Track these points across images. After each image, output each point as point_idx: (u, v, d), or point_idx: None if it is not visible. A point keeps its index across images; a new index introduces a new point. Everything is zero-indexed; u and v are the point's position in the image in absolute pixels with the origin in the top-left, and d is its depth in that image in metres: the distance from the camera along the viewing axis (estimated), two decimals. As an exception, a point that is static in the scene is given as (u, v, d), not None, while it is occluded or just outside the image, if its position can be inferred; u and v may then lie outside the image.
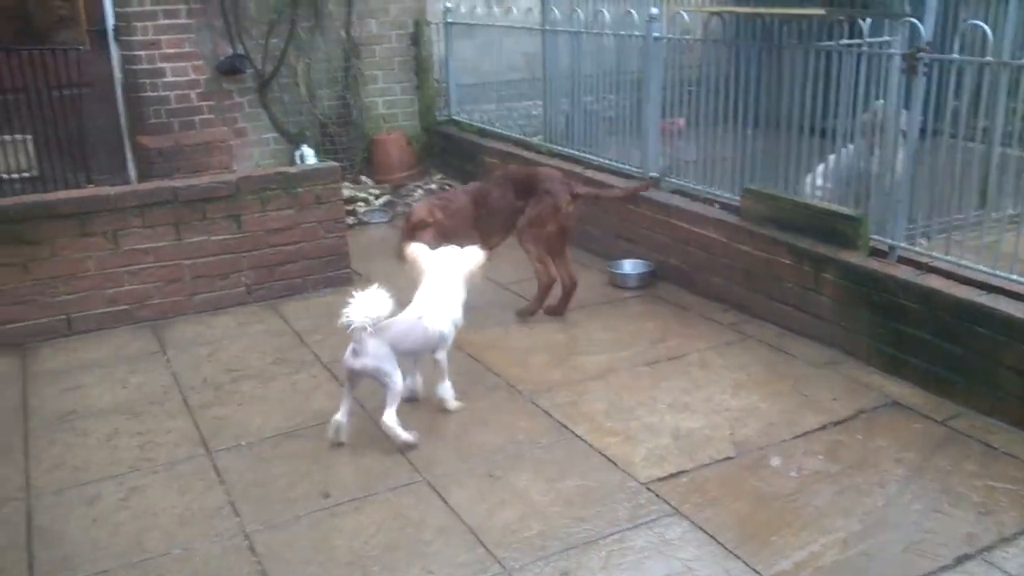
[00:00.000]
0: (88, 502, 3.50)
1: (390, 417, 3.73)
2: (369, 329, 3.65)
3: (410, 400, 4.10)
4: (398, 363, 3.80)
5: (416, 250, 4.19)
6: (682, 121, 5.81)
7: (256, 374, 4.52)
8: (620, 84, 6.22)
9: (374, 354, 3.72)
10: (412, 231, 4.90)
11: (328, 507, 3.40)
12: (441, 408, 4.09)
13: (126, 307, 5.18)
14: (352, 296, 3.66)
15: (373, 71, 8.16)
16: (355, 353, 3.72)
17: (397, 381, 3.76)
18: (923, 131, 4.43)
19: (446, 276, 4.07)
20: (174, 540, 3.25)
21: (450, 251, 4.17)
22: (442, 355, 4.05)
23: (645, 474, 3.55)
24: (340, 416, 3.81)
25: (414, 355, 4.09)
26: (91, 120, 7.03)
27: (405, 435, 3.76)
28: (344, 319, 3.62)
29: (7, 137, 6.63)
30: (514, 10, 7.57)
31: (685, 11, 5.69)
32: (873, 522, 3.22)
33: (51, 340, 5.01)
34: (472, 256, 4.16)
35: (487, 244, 4.82)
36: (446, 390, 4.10)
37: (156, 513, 3.42)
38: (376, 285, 3.69)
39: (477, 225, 5.04)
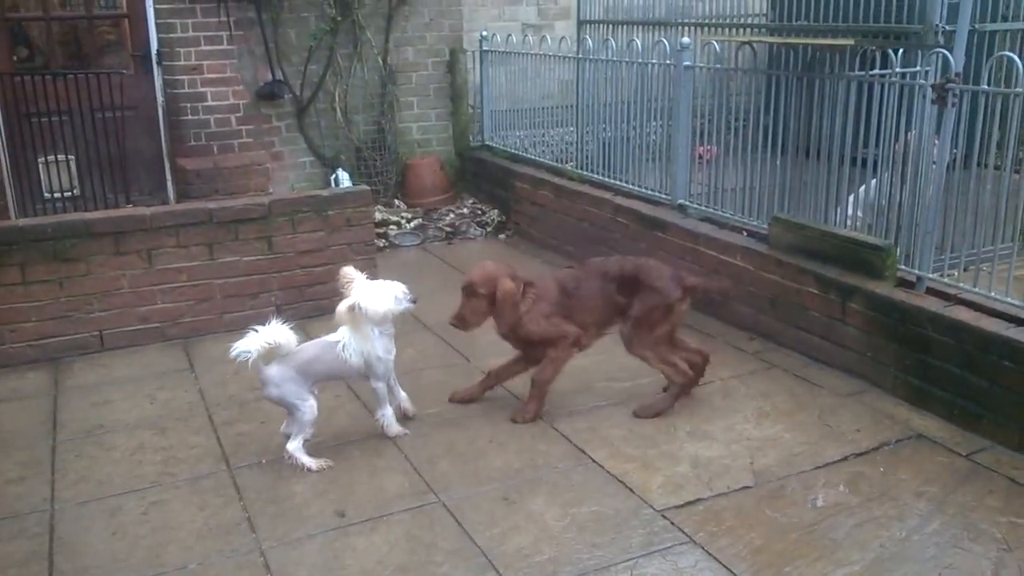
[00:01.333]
0: (110, 515, 3.56)
1: (293, 446, 3.80)
2: (254, 357, 3.68)
3: (405, 416, 4.19)
4: (311, 388, 3.86)
5: (350, 275, 3.96)
6: (714, 149, 5.81)
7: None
8: (652, 112, 6.25)
9: (276, 382, 3.78)
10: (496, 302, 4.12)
11: (342, 526, 3.43)
12: (381, 433, 4.09)
13: (157, 325, 5.28)
14: (253, 331, 3.73)
15: (408, 97, 8.28)
16: (261, 384, 3.80)
17: (306, 409, 3.80)
18: (956, 161, 4.39)
19: (370, 309, 3.85)
20: (191, 554, 3.29)
21: (383, 286, 3.96)
22: (378, 384, 4.01)
23: (661, 502, 3.53)
24: (284, 428, 3.93)
25: (334, 380, 4.14)
26: (132, 142, 7.21)
27: (311, 462, 3.82)
28: (232, 351, 3.68)
29: (51, 157, 6.82)
30: (548, 39, 7.63)
31: (716, 40, 5.70)
32: (890, 555, 3.17)
33: (84, 355, 5.12)
34: (397, 297, 3.94)
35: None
36: (384, 416, 4.07)
37: (175, 527, 3.47)
38: (275, 322, 3.78)
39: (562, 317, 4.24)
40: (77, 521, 3.53)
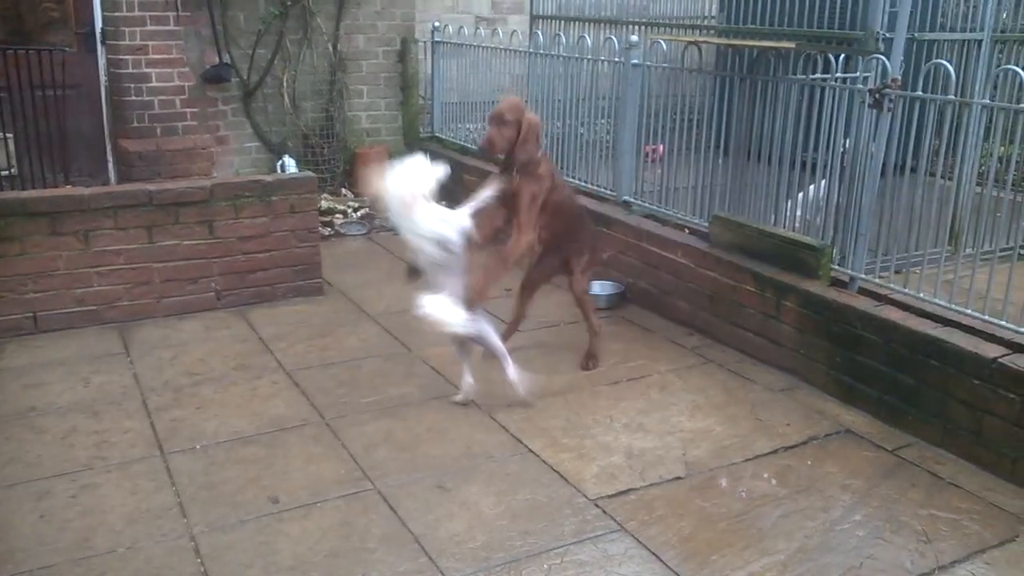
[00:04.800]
0: (38, 498, 3.50)
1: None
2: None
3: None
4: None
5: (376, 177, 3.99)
6: (662, 147, 5.89)
7: (217, 378, 4.53)
8: (600, 109, 6.30)
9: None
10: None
11: (276, 512, 3.41)
12: None
13: (94, 307, 5.19)
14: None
15: (358, 85, 8.23)
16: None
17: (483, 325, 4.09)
18: (900, 167, 4.51)
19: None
20: (120, 538, 3.25)
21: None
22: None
23: (595, 491, 3.58)
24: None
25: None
26: (74, 121, 7.06)
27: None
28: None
29: (-11, 135, 6.66)
30: (500, 32, 7.65)
31: (663, 39, 5.77)
32: (815, 545, 3.25)
33: (17, 337, 5.01)
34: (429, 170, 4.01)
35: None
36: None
37: (105, 511, 3.42)
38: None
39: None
40: (4, 503, 3.46)
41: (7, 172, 6.73)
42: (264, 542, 3.23)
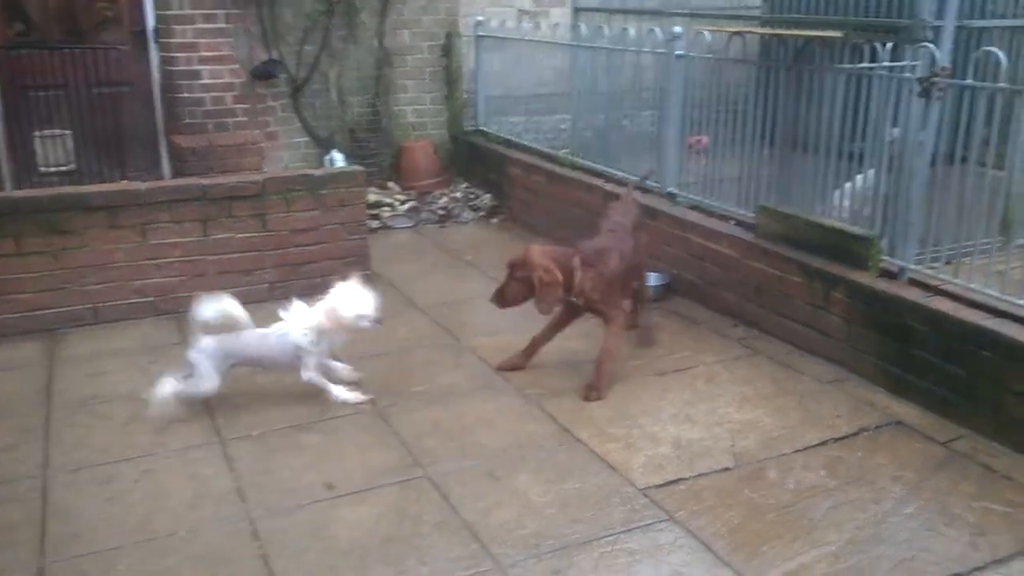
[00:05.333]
0: (103, 482, 3.63)
1: (167, 390, 4.07)
2: (200, 324, 4.04)
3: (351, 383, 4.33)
4: (223, 372, 4.12)
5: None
6: (706, 139, 5.88)
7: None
8: (644, 100, 6.31)
9: (199, 349, 4.09)
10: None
11: (331, 498, 3.50)
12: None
13: (151, 299, 5.33)
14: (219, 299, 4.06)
15: (404, 80, 8.31)
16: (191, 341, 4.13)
17: (206, 383, 4.07)
18: (949, 156, 4.47)
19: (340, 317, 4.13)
20: (181, 522, 3.36)
21: (360, 297, 4.19)
22: (309, 375, 4.19)
23: (643, 480, 3.62)
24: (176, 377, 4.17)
25: (259, 366, 4.32)
26: (128, 118, 7.23)
27: (161, 411, 4.07)
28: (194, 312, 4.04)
29: (47, 132, 6.84)
30: (543, 25, 7.67)
31: (708, 30, 5.76)
32: (865, 537, 3.26)
33: (78, 327, 5.17)
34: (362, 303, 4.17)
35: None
36: (334, 394, 4.23)
37: (166, 496, 3.53)
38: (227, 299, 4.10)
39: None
40: (70, 487, 3.59)
41: (66, 168, 6.92)
42: (321, 527, 3.32)
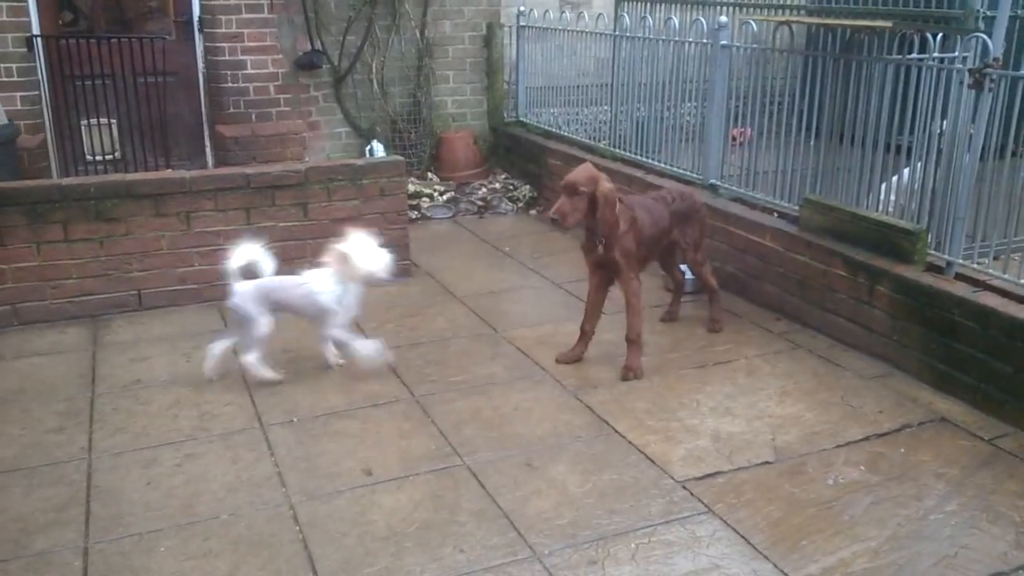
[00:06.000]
0: (145, 465, 3.69)
1: (249, 359, 4.28)
2: (236, 272, 4.22)
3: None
4: (269, 313, 4.28)
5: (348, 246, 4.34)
6: (749, 130, 5.82)
7: (312, 355, 4.66)
8: (687, 91, 6.25)
9: (239, 294, 4.24)
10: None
11: (369, 484, 3.52)
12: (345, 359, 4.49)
13: (195, 286, 5.40)
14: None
15: (444, 71, 8.32)
16: (229, 293, 4.28)
17: (260, 324, 4.24)
18: (1000, 150, 4.37)
19: (353, 265, 4.29)
20: (223, 505, 3.40)
21: (376, 250, 4.34)
22: (332, 332, 4.39)
23: (681, 473, 3.59)
24: (214, 347, 4.37)
25: (288, 312, 4.42)
26: (173, 107, 7.32)
27: (265, 373, 4.31)
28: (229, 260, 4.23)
29: (93, 121, 6.94)
30: (585, 16, 7.63)
31: (753, 20, 5.69)
32: (907, 534, 3.21)
33: (123, 313, 5.26)
34: (379, 257, 4.32)
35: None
36: (359, 348, 4.39)
37: (208, 479, 3.58)
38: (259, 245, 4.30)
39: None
40: (114, 470, 3.65)
41: (111, 156, 7.02)
42: (359, 512, 3.34)
